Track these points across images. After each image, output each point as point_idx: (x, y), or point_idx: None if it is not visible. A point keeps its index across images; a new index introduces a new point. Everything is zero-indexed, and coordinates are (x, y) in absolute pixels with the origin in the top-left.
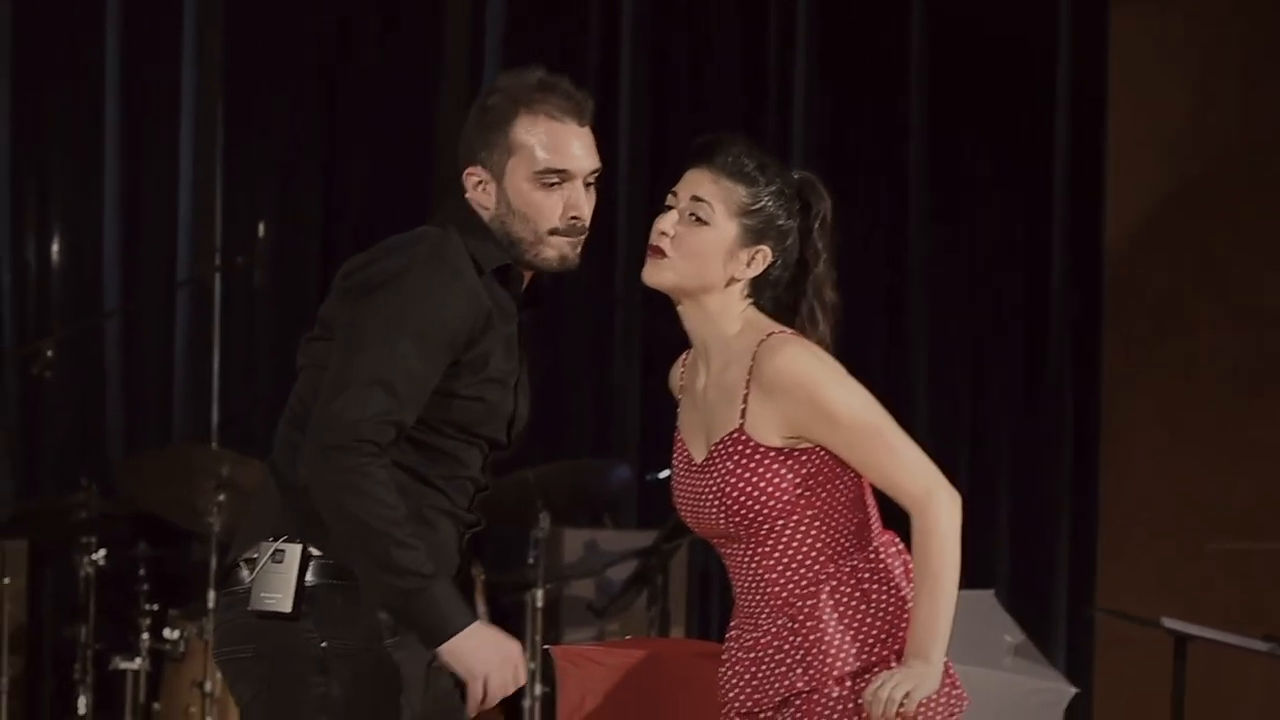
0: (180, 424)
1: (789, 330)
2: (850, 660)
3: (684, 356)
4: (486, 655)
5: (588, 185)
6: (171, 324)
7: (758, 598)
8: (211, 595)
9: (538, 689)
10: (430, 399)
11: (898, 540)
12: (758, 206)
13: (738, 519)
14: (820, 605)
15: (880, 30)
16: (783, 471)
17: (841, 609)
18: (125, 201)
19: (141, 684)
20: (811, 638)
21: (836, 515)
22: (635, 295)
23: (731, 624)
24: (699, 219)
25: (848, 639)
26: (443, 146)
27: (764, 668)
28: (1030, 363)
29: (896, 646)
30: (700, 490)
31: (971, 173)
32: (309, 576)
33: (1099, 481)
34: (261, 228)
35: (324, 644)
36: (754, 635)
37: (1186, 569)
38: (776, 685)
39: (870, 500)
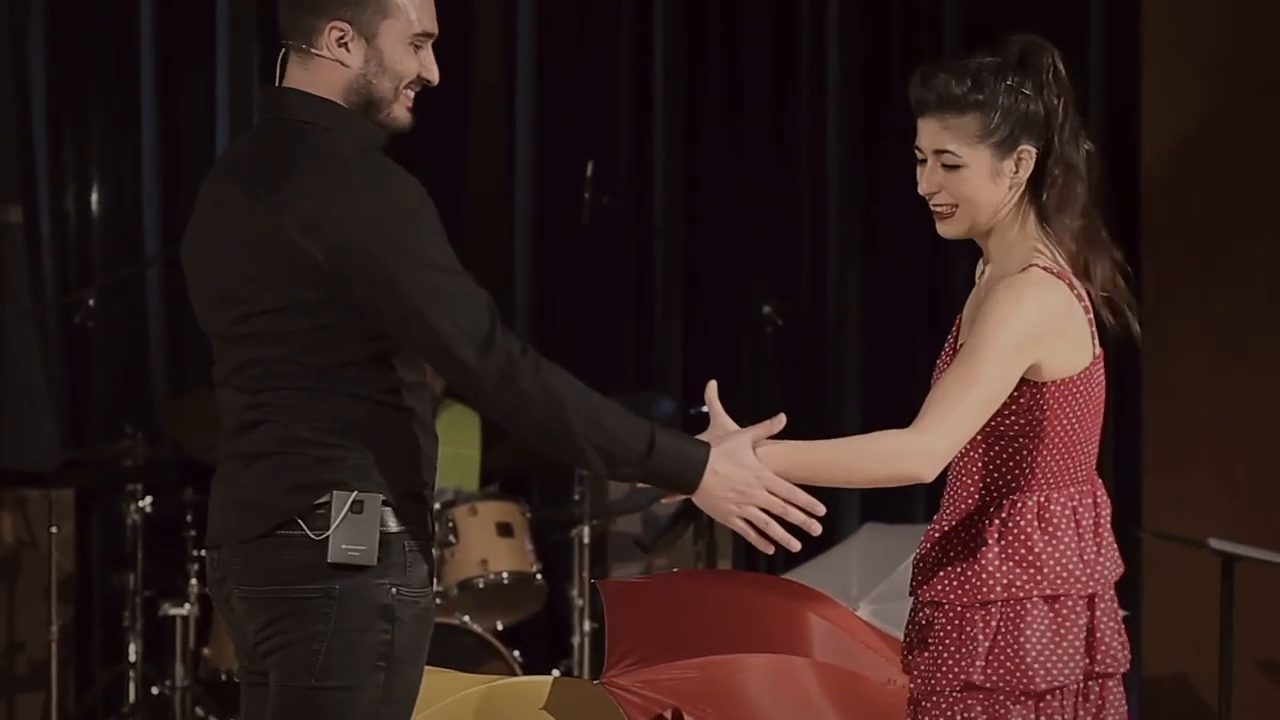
0: None
1: (1058, 272)
2: (999, 591)
3: None
4: (727, 498)
5: None
6: None
7: (951, 492)
8: None
9: (586, 625)
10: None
11: (1100, 492)
12: (993, 122)
13: None
14: (990, 528)
15: None
16: None
17: (1009, 538)
18: (163, 148)
19: (191, 629)
20: (971, 555)
21: (1036, 449)
22: (675, 230)
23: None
24: (948, 166)
25: (1003, 569)
26: (476, 90)
27: (928, 562)
28: None
29: (1046, 592)
30: (939, 378)
31: None
32: (387, 525)
33: (1142, 402)
34: None
35: (394, 590)
36: (939, 527)
37: (1237, 488)
38: (937, 586)
39: (1087, 448)
